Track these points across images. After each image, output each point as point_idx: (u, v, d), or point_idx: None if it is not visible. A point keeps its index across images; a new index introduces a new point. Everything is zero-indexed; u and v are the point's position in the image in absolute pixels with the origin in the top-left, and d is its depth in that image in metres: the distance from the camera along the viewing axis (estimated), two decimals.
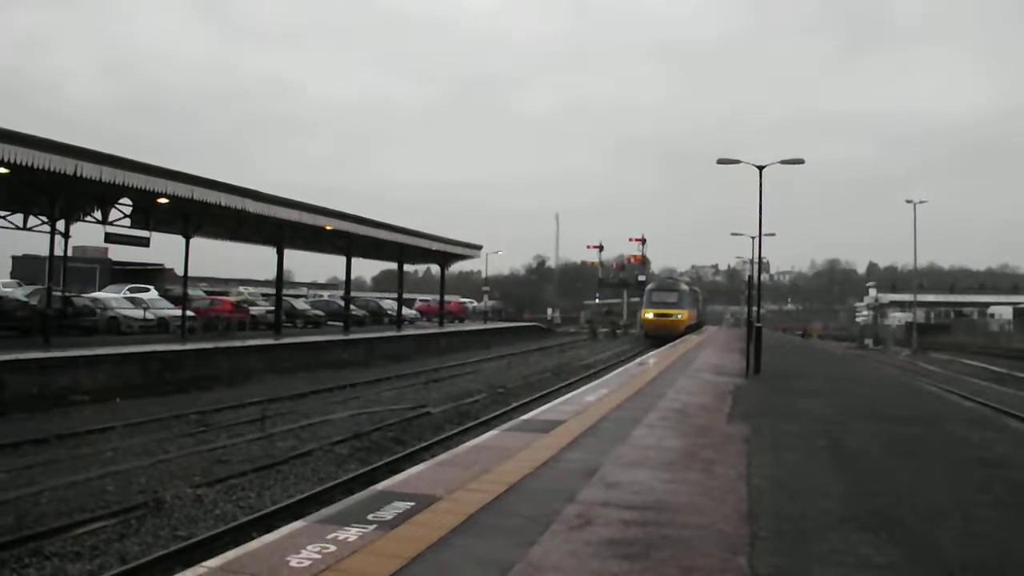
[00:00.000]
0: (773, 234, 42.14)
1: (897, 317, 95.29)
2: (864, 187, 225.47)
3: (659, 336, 51.30)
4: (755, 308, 29.43)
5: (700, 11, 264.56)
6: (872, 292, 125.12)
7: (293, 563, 5.85)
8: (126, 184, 25.53)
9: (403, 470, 10.34)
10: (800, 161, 27.23)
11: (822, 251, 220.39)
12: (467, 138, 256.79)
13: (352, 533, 6.59)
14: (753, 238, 39.28)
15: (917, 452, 11.89)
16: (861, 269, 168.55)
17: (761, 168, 26.91)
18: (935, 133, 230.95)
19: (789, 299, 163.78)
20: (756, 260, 37.98)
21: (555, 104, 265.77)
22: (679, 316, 55.48)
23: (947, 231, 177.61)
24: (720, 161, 27.92)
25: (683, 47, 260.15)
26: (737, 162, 27.60)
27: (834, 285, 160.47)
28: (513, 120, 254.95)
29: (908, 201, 59.54)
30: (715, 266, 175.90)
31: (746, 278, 47.39)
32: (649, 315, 56.07)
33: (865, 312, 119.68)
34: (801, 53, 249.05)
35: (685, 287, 63.16)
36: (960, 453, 12.05)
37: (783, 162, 27.27)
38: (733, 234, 76.40)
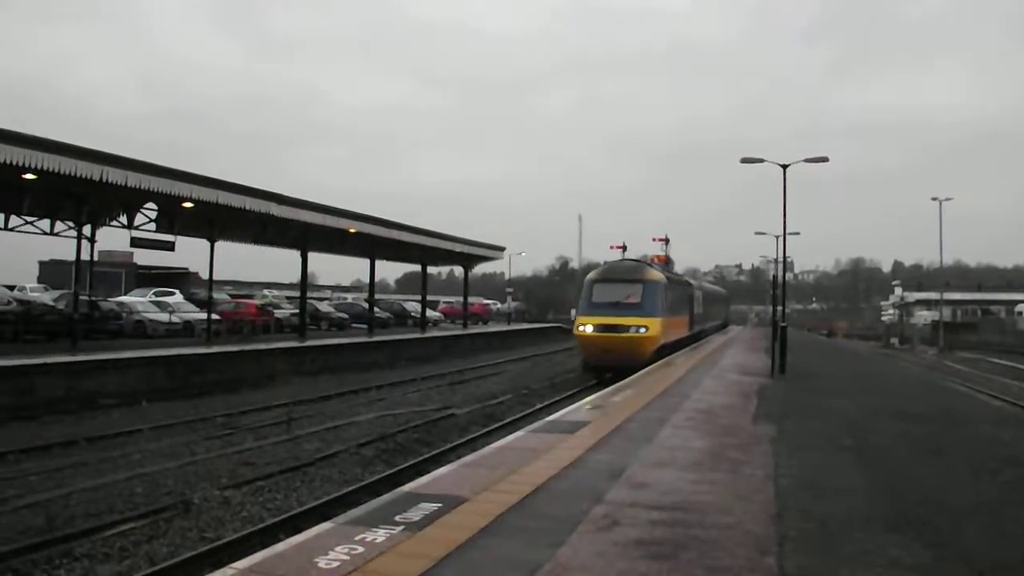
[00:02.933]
0: (797, 233, 42.08)
1: (923, 316, 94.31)
2: (888, 185, 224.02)
3: (605, 366, 27.43)
4: (780, 307, 29.27)
5: (710, 11, 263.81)
6: (897, 291, 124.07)
7: (321, 564, 5.88)
8: (151, 189, 25.74)
9: (429, 471, 10.37)
10: (824, 159, 27.06)
11: (847, 249, 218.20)
12: (488, 139, 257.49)
13: (379, 534, 6.61)
14: (777, 237, 39.09)
15: (945, 451, 11.78)
16: (886, 267, 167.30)
17: (785, 167, 26.77)
18: (961, 129, 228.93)
19: (814, 298, 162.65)
20: (781, 259, 37.78)
21: (572, 103, 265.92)
22: (643, 329, 27.31)
23: (974, 228, 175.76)
24: (744, 160, 27.80)
25: (699, 46, 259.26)
26: (761, 161, 27.46)
27: (859, 284, 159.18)
28: (533, 120, 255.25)
29: (934, 199, 59.01)
30: (739, 265, 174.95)
31: (770, 277, 47.00)
32: (586, 327, 28.02)
33: (891, 311, 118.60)
34: (818, 53, 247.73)
35: (658, 275, 30.29)
36: (989, 452, 11.93)
37: (807, 160, 27.11)
38: (757, 233, 76.39)
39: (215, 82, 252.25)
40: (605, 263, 35.80)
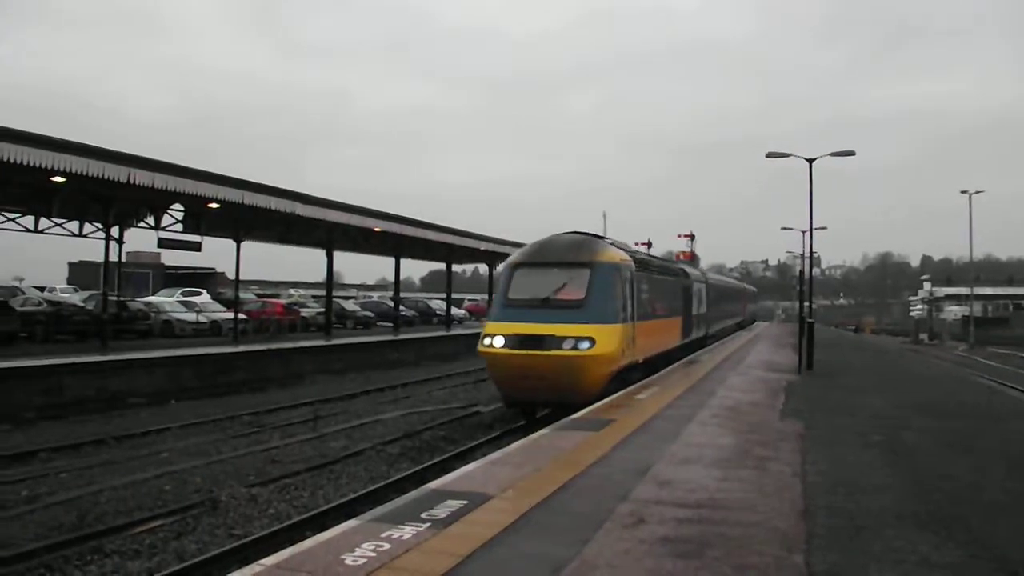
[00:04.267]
0: (824, 228, 41.63)
1: (953, 311, 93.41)
2: (917, 178, 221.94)
3: (526, 399, 18.11)
4: (806, 303, 29.05)
5: (726, 9, 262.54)
6: (926, 285, 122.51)
7: (348, 561, 5.90)
8: (178, 190, 25.92)
9: (455, 469, 10.38)
10: (851, 153, 26.78)
11: (874, 244, 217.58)
12: (513, 139, 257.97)
13: (406, 531, 6.62)
14: (804, 232, 38.72)
15: (975, 448, 11.65)
16: (914, 262, 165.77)
17: (811, 161, 26.56)
18: (991, 122, 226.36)
19: (841, 294, 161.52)
20: (807, 254, 37.47)
21: (595, 103, 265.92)
22: (586, 344, 16.56)
23: (1005, 221, 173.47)
24: (769, 155, 27.60)
25: (718, 45, 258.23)
26: (787, 155, 27.25)
27: (887, 279, 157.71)
28: (557, 120, 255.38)
29: (963, 192, 58.15)
30: (765, 261, 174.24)
31: (797, 273, 46.62)
32: (494, 339, 17.19)
33: (919, 306, 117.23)
34: (843, 48, 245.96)
35: (618, 256, 18.89)
36: (1020, 449, 11.79)
37: (833, 154, 26.84)
38: (783, 228, 75.56)
39: (242, 86, 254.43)
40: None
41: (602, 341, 16.54)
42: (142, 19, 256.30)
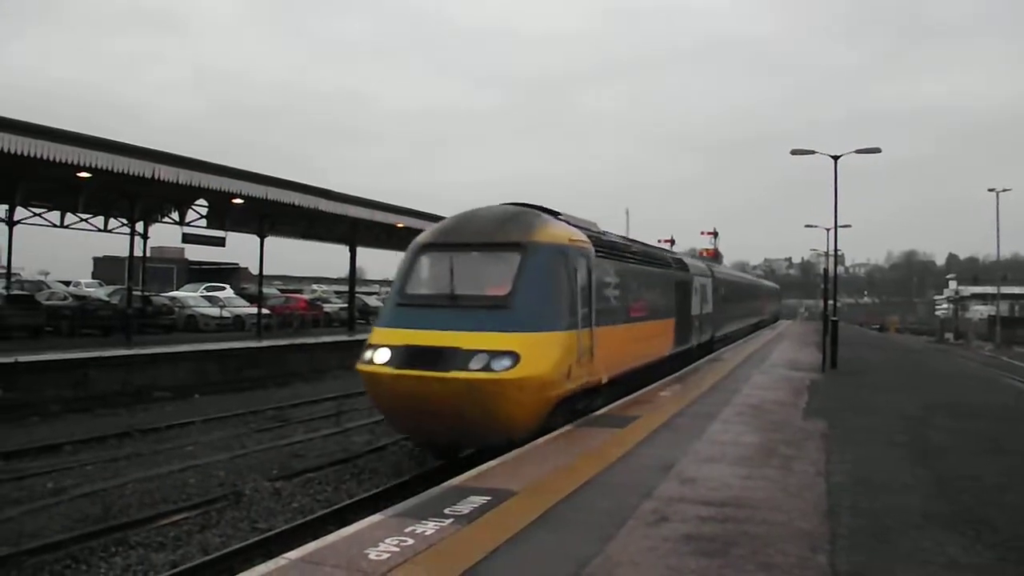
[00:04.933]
0: (848, 225, 41.61)
1: (979, 310, 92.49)
2: (943, 175, 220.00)
3: (426, 440, 13.42)
4: (831, 301, 28.87)
5: (751, 8, 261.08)
6: (952, 284, 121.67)
7: (372, 556, 5.92)
8: (202, 186, 26.11)
9: (478, 465, 10.38)
10: (877, 150, 26.62)
11: (899, 242, 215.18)
12: (537, 138, 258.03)
13: (429, 527, 6.63)
14: (828, 230, 38.50)
15: (1003, 449, 11.52)
16: (940, 260, 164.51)
17: (836, 158, 26.40)
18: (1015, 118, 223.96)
19: (865, 292, 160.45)
20: (832, 252, 37.24)
21: (619, 101, 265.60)
22: (505, 362, 11.09)
23: None
24: (794, 152, 27.48)
25: (740, 43, 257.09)
26: (812, 152, 27.12)
27: (912, 277, 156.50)
28: (581, 118, 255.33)
29: (991, 190, 57.56)
30: (788, 259, 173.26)
31: (821, 271, 46.37)
32: (377, 353, 12.04)
33: (945, 305, 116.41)
34: (865, 45, 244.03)
35: (565, 234, 13.30)
36: None
37: (858, 151, 26.69)
38: (807, 226, 75.24)
39: (265, 87, 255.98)
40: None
41: (532, 357, 11.16)
42: (165, 19, 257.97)
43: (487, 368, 10.97)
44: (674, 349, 21.61)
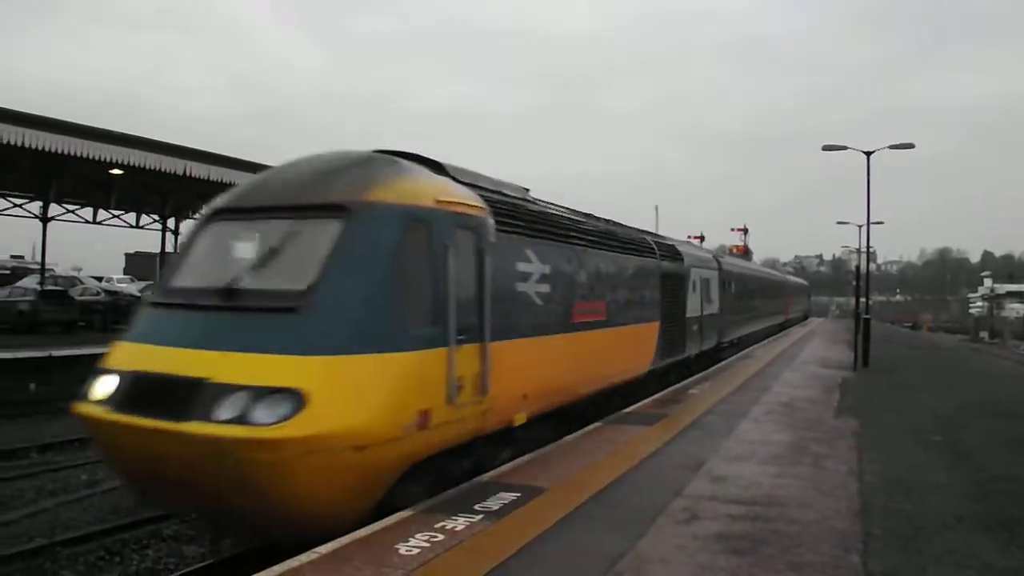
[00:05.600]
0: (881, 222, 41.07)
1: (1015, 308, 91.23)
2: (977, 172, 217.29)
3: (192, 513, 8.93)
4: (863, 299, 28.59)
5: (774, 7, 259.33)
6: (987, 282, 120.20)
7: (402, 551, 5.96)
8: (233, 182, 26.25)
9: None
10: (910, 146, 26.29)
11: (932, 239, 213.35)
12: (562, 137, 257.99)
13: (459, 522, 6.65)
14: (860, 226, 38.12)
15: None
16: (975, 258, 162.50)
17: (868, 154, 26.12)
18: None
19: (898, 289, 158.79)
20: (864, 249, 36.89)
21: (647, 101, 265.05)
22: (274, 411, 6.36)
23: None
24: (826, 147, 27.22)
25: (767, 41, 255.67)
26: (843, 148, 26.84)
27: (945, 274, 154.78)
28: (608, 118, 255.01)
29: None
30: (819, 256, 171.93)
31: (852, 268, 45.86)
32: (101, 382, 7.30)
33: (979, 303, 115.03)
34: (892, 40, 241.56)
35: (430, 194, 8.35)
36: None
37: (891, 147, 26.37)
38: (838, 223, 74.44)
39: (299, 84, 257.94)
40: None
41: (333, 398, 6.75)
42: (197, 20, 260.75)
43: (244, 418, 6.40)
44: (660, 362, 16.92)
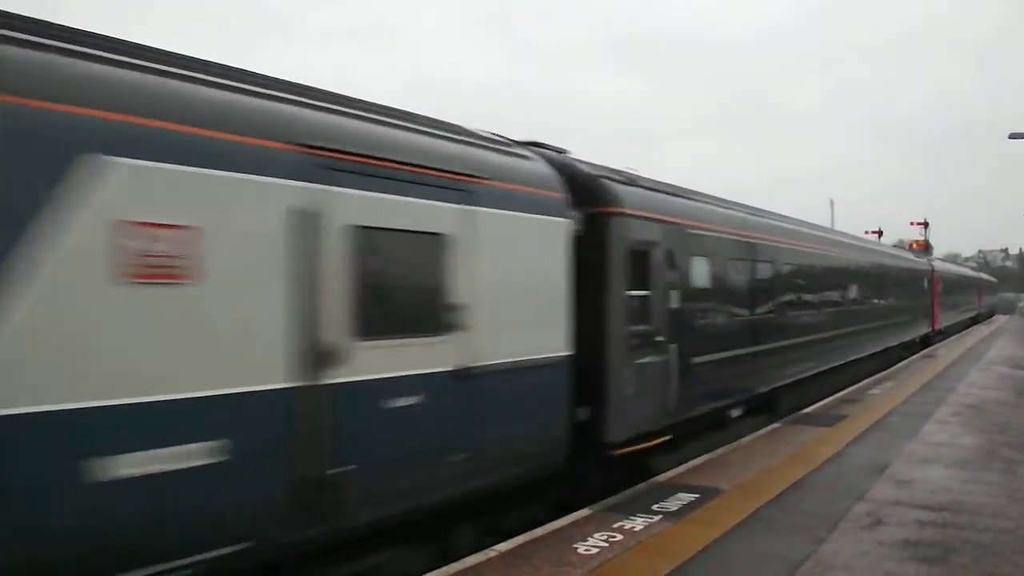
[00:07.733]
0: None
1: None
2: None
3: None
4: None
5: None
6: None
7: (580, 550, 6.11)
8: None
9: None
10: None
11: None
12: (737, 136, 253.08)
13: (637, 523, 6.77)
14: None
15: None
16: None
17: None
18: None
19: None
20: None
21: (821, 97, 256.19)
22: None
23: None
24: (1012, 136, 25.67)
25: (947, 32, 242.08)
26: None
27: None
28: (782, 114, 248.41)
29: None
30: (1004, 250, 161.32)
31: None
32: None
33: None
34: None
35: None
36: None
37: None
38: None
39: (475, 88, 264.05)
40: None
41: None
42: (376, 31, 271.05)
43: None
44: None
